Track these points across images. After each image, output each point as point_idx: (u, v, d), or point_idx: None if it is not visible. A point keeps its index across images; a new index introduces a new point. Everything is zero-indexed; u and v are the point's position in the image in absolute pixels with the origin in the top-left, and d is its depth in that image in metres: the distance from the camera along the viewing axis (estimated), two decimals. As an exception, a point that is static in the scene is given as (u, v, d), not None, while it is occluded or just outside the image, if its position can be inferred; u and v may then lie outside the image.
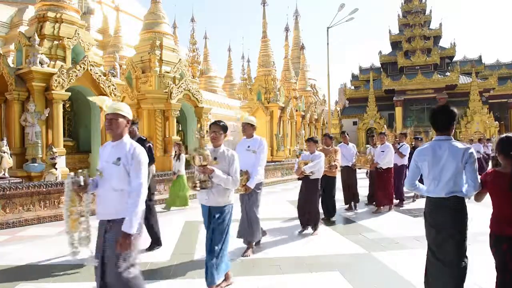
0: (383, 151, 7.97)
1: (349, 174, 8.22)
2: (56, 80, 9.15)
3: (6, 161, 8.26)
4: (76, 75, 9.57)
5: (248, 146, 4.83)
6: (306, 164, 5.77)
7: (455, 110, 3.02)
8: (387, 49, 41.73)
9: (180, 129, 14.11)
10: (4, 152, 8.24)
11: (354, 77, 43.38)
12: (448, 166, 2.93)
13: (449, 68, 37.51)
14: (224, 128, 3.67)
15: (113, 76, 10.77)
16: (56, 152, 8.78)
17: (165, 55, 13.43)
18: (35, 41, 9.23)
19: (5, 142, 8.43)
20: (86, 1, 21.47)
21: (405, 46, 37.19)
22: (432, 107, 3.34)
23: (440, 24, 39.12)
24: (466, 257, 2.93)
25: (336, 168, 6.65)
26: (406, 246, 5.18)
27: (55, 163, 8.77)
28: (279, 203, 9.45)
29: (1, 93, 9.57)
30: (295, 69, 27.94)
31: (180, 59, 13.97)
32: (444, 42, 39.99)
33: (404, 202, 8.84)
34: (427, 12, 39.21)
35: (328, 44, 20.91)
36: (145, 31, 14.13)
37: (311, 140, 6.10)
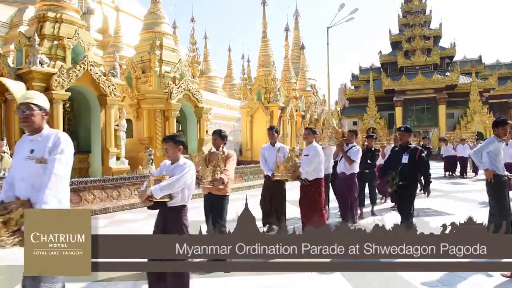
0: (307, 155, 5.48)
1: (271, 186, 5.98)
2: (56, 80, 9.15)
3: (6, 161, 8.27)
4: (76, 75, 9.57)
5: (32, 151, 2.55)
6: (159, 181, 3.30)
7: (507, 120, 4.80)
8: (387, 49, 41.77)
9: (180, 129, 14.12)
10: (4, 152, 8.25)
11: (354, 77, 43.39)
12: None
13: (449, 68, 37.52)
14: None
15: (113, 76, 10.77)
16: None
17: (165, 55, 13.44)
18: (35, 41, 9.23)
19: (5, 142, 8.44)
20: (86, 1, 21.47)
21: (405, 46, 37.21)
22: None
23: (440, 24, 39.14)
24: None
25: (224, 183, 4.35)
26: (406, 246, 5.18)
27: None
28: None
29: (1, 93, 9.57)
30: (295, 69, 27.94)
31: (180, 59, 13.98)
32: (444, 42, 40.06)
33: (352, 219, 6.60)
34: (427, 12, 39.23)
35: (328, 44, 20.92)
36: (145, 31, 14.14)
37: (170, 140, 3.44)
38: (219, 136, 4.72)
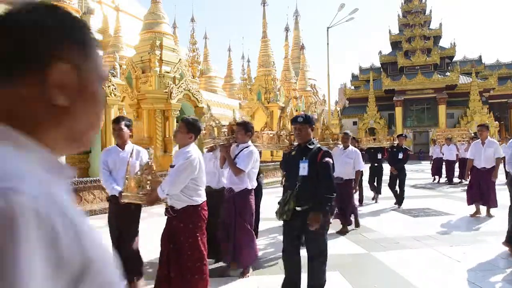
0: (173, 166, 3.31)
1: (119, 213, 3.73)
2: (56, 80, 9.14)
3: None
4: (76, 75, 9.57)
5: None
6: None
7: None
8: (387, 49, 41.79)
9: (180, 129, 14.11)
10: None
11: (354, 77, 43.40)
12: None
13: (449, 68, 37.53)
14: None
15: (113, 76, 10.78)
16: (56, 152, 8.77)
17: (165, 55, 13.44)
18: (35, 41, 9.23)
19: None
20: (86, 1, 21.48)
21: (405, 46, 37.21)
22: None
23: (440, 24, 39.14)
24: None
25: None
26: (406, 246, 5.18)
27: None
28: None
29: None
30: (295, 69, 27.95)
31: (180, 59, 13.97)
32: (444, 42, 40.13)
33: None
34: (427, 12, 39.24)
35: (328, 44, 20.92)
36: (145, 31, 14.15)
37: None
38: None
